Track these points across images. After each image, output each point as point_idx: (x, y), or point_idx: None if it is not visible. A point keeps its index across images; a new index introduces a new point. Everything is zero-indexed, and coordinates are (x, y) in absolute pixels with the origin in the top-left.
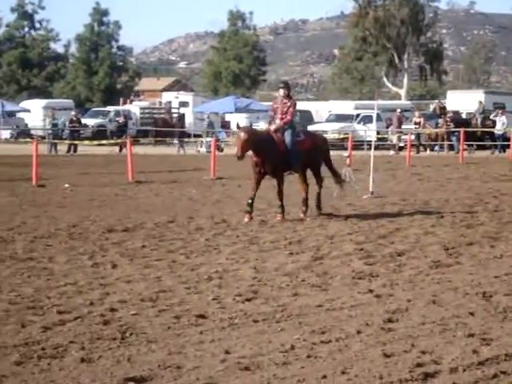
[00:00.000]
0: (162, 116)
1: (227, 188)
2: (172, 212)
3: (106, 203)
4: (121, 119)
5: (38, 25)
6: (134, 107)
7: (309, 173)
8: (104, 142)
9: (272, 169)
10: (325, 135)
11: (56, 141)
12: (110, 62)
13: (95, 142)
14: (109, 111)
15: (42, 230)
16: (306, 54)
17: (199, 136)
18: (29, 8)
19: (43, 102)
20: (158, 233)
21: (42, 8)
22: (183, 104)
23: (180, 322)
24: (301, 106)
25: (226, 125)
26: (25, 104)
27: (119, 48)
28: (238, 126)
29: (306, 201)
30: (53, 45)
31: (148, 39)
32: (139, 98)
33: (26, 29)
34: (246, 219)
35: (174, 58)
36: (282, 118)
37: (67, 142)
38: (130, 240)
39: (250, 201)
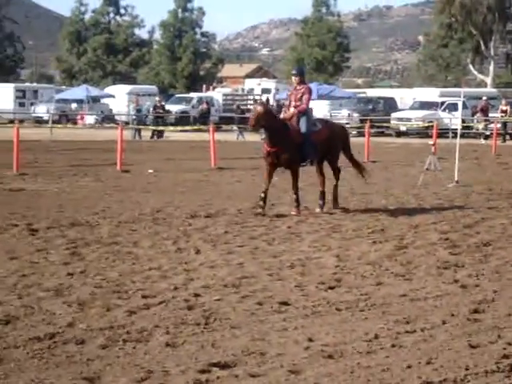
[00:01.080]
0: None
1: (310, 175)
2: (254, 198)
3: (189, 189)
4: (204, 106)
5: (123, 11)
6: (217, 94)
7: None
8: (187, 128)
9: (287, 159)
10: (409, 123)
11: (140, 126)
12: (193, 48)
13: (178, 128)
14: (192, 97)
15: (126, 214)
16: (390, 41)
17: None
18: None
19: (128, 87)
20: (240, 219)
21: None
22: (265, 91)
23: (263, 309)
24: (384, 93)
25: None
26: (109, 90)
27: (203, 34)
28: (256, 101)
29: (323, 194)
30: (137, 31)
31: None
32: (222, 84)
33: (112, 15)
34: (294, 212)
35: (256, 45)
36: (296, 106)
37: (151, 127)
38: (212, 226)
39: (262, 195)
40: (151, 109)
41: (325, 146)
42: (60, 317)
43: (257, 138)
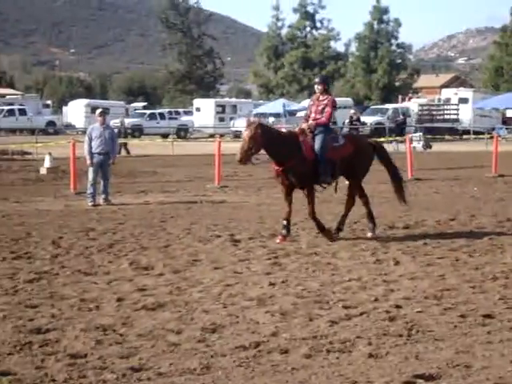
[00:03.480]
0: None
1: (510, 186)
2: (453, 210)
3: (387, 200)
4: (400, 117)
5: (319, 24)
6: (413, 104)
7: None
8: (382, 139)
9: (295, 178)
10: None
11: None
12: (389, 59)
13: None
14: (387, 109)
15: (326, 226)
16: None
17: (481, 133)
18: (310, 8)
19: None
20: (439, 230)
21: (323, 7)
22: (463, 100)
23: (466, 321)
24: None
25: (506, 121)
26: (306, 103)
27: (398, 46)
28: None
29: (370, 215)
30: (333, 44)
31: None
32: (417, 95)
33: (308, 29)
34: (278, 240)
35: (452, 54)
36: (315, 119)
37: None
38: (411, 237)
39: (284, 222)
40: (346, 120)
41: (348, 163)
42: (264, 326)
43: (444, 147)
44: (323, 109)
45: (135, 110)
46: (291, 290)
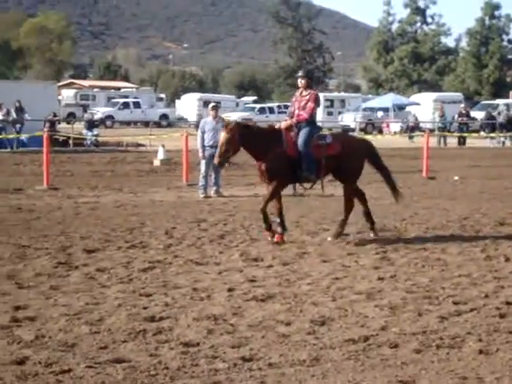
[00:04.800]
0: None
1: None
2: None
3: (496, 196)
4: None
5: (429, 20)
6: None
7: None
8: (492, 134)
9: (266, 171)
10: None
11: (445, 133)
12: (499, 55)
13: (483, 135)
14: (498, 104)
15: (433, 221)
16: None
17: None
18: (421, 3)
19: (433, 95)
20: None
21: (434, 3)
22: None
23: None
24: None
25: None
26: (415, 98)
27: (510, 41)
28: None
29: (367, 214)
30: (443, 39)
31: None
32: None
33: (419, 24)
34: (276, 239)
35: None
36: (298, 115)
37: (456, 134)
38: None
39: (277, 220)
40: (456, 116)
41: (334, 162)
42: (373, 320)
43: None
44: (306, 104)
45: (245, 104)
46: (400, 285)
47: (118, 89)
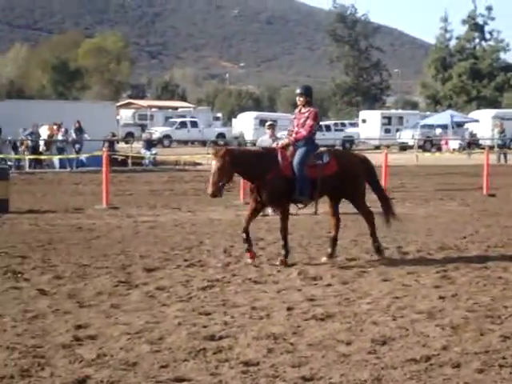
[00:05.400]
0: None
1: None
2: None
3: None
4: None
5: (488, 36)
6: None
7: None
8: None
9: (265, 195)
10: None
11: (505, 150)
12: None
13: None
14: None
15: (494, 239)
16: None
17: None
18: (479, 20)
19: (492, 111)
20: None
21: (492, 19)
22: None
23: None
24: None
25: None
26: (474, 114)
27: None
28: (213, 148)
29: (333, 241)
30: (502, 55)
31: None
32: None
33: (477, 40)
34: (249, 260)
35: None
36: (297, 133)
37: None
38: None
39: (244, 235)
40: None
41: (332, 182)
42: (434, 339)
43: None
44: (305, 122)
45: None
46: (461, 304)
47: (176, 108)
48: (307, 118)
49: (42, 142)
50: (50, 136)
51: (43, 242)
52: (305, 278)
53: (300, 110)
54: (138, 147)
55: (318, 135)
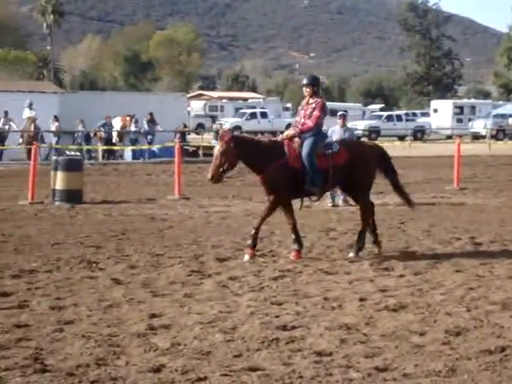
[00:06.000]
0: None
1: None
2: None
3: None
4: None
5: None
6: None
7: None
8: None
9: (270, 186)
10: None
11: None
12: None
13: None
14: None
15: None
16: None
17: None
18: None
19: None
20: None
21: None
22: None
23: None
24: None
25: None
26: None
27: None
28: (217, 134)
29: (373, 228)
30: None
31: None
32: None
33: None
34: (292, 257)
35: None
36: (303, 124)
37: None
38: None
39: (292, 236)
40: None
41: (343, 172)
42: (509, 330)
43: None
44: (311, 113)
45: (372, 112)
46: None
47: (246, 99)
48: (314, 108)
49: (114, 134)
50: (123, 127)
51: (117, 232)
52: (377, 269)
53: (308, 101)
54: (208, 138)
55: (389, 125)
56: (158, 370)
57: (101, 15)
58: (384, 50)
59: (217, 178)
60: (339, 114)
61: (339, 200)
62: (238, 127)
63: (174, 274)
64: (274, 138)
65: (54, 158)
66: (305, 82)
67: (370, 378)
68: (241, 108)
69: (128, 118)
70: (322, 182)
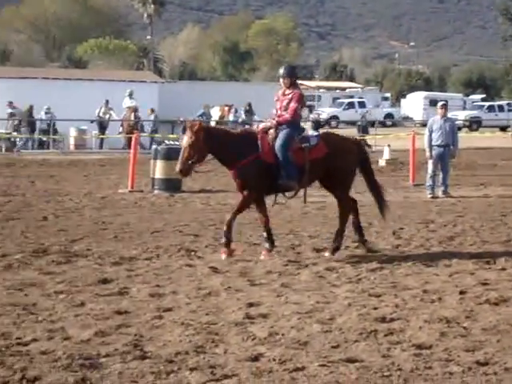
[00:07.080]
0: None
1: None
2: None
3: None
4: None
5: None
6: None
7: None
8: None
9: (243, 182)
10: None
11: None
12: None
13: None
14: None
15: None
16: None
17: None
18: None
19: None
20: None
21: None
22: None
23: None
24: None
25: None
26: None
27: None
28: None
29: (358, 227)
30: None
31: None
32: None
33: None
34: (262, 256)
35: None
36: (279, 116)
37: None
38: None
39: (264, 234)
40: None
41: (321, 167)
42: None
43: None
44: (288, 104)
45: (473, 102)
46: None
47: (344, 89)
48: (291, 100)
49: (213, 123)
50: (221, 117)
51: (215, 220)
52: (478, 262)
53: (284, 92)
54: (305, 128)
55: (491, 116)
56: (255, 358)
57: (200, 5)
58: (485, 40)
59: (185, 171)
60: (440, 104)
61: (439, 191)
62: (335, 117)
63: (271, 263)
64: (248, 130)
65: (154, 147)
66: (282, 72)
67: (470, 371)
68: (338, 98)
69: (226, 108)
70: (298, 176)
